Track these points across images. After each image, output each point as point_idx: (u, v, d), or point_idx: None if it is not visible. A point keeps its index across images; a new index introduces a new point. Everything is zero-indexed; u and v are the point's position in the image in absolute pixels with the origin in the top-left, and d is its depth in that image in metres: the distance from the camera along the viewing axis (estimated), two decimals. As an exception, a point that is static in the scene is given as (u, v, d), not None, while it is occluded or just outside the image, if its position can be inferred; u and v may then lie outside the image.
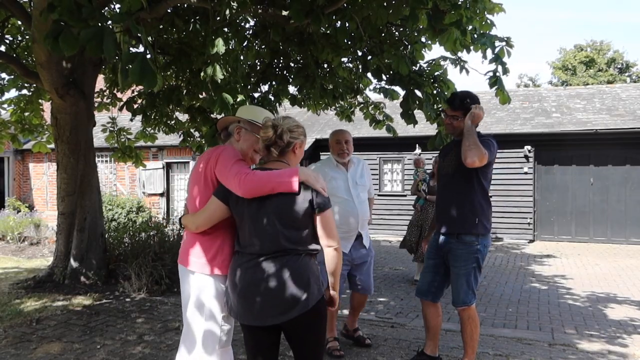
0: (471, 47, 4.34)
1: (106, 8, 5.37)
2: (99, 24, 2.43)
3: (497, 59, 4.39)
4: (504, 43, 4.42)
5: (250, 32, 5.80)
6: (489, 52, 4.36)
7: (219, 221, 2.31)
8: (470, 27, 4.15)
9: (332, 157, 3.93)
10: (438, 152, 4.04)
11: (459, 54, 5.00)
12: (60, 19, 2.48)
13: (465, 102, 3.30)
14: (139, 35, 2.55)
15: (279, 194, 2.14)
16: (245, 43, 5.58)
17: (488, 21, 4.49)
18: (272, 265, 2.13)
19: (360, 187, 3.86)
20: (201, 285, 2.35)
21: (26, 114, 7.90)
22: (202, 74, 4.16)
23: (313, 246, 2.21)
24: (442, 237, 3.36)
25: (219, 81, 4.06)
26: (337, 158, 3.87)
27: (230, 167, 2.23)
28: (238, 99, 4.23)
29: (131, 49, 5.35)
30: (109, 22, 2.61)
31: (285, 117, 2.35)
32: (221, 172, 2.27)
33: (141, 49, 5.93)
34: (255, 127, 2.45)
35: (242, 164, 2.28)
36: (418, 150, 12.37)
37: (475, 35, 4.27)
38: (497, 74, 4.50)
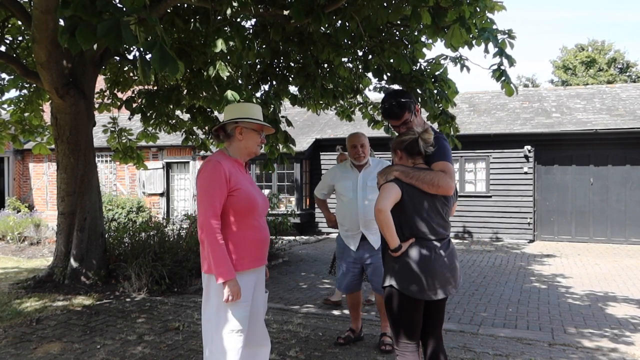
0: (473, 42, 4.33)
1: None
2: (114, 17, 2.43)
3: (501, 52, 4.38)
4: (505, 36, 4.42)
5: (251, 31, 5.80)
6: (491, 46, 4.35)
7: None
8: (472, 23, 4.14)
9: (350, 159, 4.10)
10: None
11: (460, 51, 5.00)
12: (74, 14, 2.48)
13: (402, 103, 2.84)
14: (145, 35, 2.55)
15: (436, 195, 2.57)
16: (246, 43, 5.59)
17: (488, 20, 4.49)
18: (447, 247, 2.60)
19: (370, 188, 3.90)
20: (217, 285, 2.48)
21: (26, 114, 7.90)
22: (205, 72, 4.16)
23: None
24: None
25: (225, 78, 4.07)
26: (353, 161, 4.04)
27: (204, 195, 2.46)
28: (243, 96, 4.24)
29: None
30: (123, 14, 2.59)
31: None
32: (198, 192, 2.51)
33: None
34: (255, 123, 2.59)
35: (214, 197, 2.45)
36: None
37: (477, 31, 4.27)
38: (502, 67, 4.48)
